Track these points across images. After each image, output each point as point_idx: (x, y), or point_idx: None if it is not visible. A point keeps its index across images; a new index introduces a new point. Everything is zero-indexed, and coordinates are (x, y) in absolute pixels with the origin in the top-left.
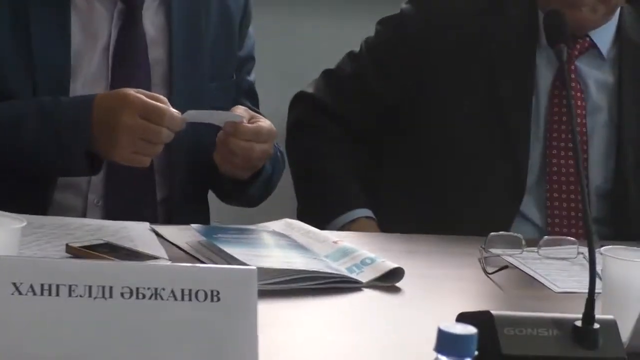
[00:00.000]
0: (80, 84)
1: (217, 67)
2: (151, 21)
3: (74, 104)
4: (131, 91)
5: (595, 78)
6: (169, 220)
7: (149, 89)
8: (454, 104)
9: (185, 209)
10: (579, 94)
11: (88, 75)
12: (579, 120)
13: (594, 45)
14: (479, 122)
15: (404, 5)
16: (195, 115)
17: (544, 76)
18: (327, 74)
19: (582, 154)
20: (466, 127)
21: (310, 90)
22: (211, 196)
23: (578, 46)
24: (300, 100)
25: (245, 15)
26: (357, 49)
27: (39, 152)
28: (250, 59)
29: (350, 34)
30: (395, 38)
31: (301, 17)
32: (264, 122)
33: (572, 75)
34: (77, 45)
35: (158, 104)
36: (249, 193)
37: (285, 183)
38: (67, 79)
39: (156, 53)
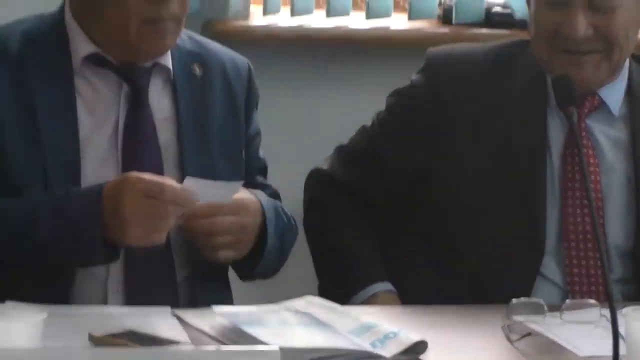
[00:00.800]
0: (90, 169)
1: (225, 146)
2: (157, 102)
3: (84, 195)
4: (130, 174)
5: (607, 136)
6: (190, 301)
7: (161, 170)
8: (469, 172)
9: (206, 288)
10: (591, 152)
11: (98, 159)
12: (592, 177)
13: (603, 103)
14: (495, 188)
15: (414, 77)
16: (195, 183)
17: (556, 137)
18: (340, 150)
19: (598, 213)
20: (482, 193)
21: (324, 167)
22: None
23: (587, 104)
24: (314, 178)
25: (250, 94)
26: (369, 122)
27: (55, 247)
28: (257, 135)
29: (363, 107)
30: (406, 112)
31: (315, 92)
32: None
33: (583, 133)
34: (85, 131)
35: (158, 179)
36: (258, 271)
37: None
38: (77, 164)
39: (165, 134)
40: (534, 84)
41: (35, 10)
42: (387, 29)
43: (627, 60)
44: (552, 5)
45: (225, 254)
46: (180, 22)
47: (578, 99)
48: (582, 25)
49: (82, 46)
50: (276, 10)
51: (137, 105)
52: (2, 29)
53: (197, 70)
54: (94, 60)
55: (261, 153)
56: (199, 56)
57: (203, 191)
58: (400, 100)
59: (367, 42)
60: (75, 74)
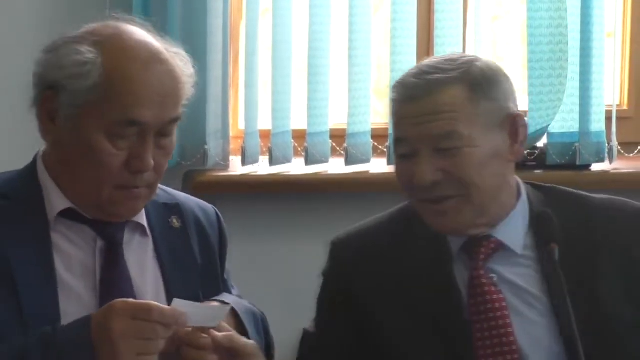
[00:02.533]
0: (70, 320)
1: (205, 292)
2: (134, 257)
3: (73, 328)
4: (118, 300)
5: (512, 276)
6: None
7: None
8: (398, 341)
9: None
10: (495, 297)
11: (78, 311)
12: (499, 313)
13: (502, 243)
14: (424, 348)
15: (324, 267)
16: (183, 305)
17: (463, 284)
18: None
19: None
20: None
21: (310, 329)
22: None
23: (483, 249)
24: (302, 340)
25: (223, 239)
26: None
27: None
28: (229, 276)
29: None
30: (326, 302)
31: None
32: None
33: (484, 280)
34: (64, 284)
35: (143, 302)
36: None
37: None
38: (56, 316)
39: (142, 289)
40: (433, 240)
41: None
42: (366, 173)
43: (525, 192)
44: (403, 158)
45: None
46: (153, 187)
47: (472, 245)
48: (427, 173)
49: (57, 201)
50: (255, 161)
51: (113, 260)
52: None
53: (176, 223)
54: (69, 215)
55: (234, 290)
56: (176, 208)
57: (191, 313)
58: (320, 292)
59: (347, 186)
60: (51, 229)
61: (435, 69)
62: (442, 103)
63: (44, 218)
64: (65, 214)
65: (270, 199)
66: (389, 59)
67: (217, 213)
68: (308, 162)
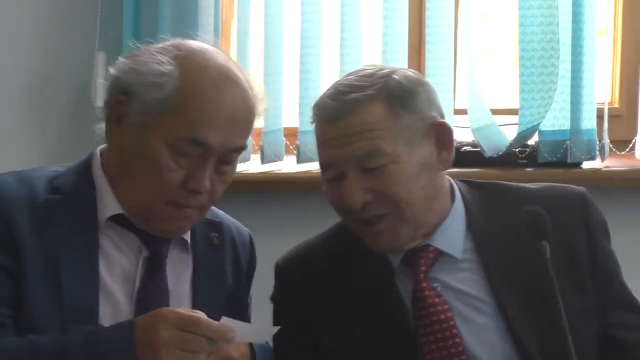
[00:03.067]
0: (107, 323)
1: (231, 314)
2: (174, 271)
3: (117, 329)
4: (166, 308)
5: (455, 282)
6: None
7: None
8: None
9: None
10: (439, 308)
11: (113, 318)
12: (445, 324)
13: (441, 252)
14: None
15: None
16: (231, 323)
17: (407, 296)
18: None
19: None
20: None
21: None
22: None
23: (422, 260)
24: None
25: (252, 263)
26: None
27: None
28: (251, 300)
29: None
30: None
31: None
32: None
33: (426, 293)
34: (105, 287)
35: (193, 313)
36: None
37: None
38: (95, 320)
39: (178, 303)
40: (374, 255)
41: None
42: None
43: (459, 193)
44: (332, 182)
45: None
46: (204, 210)
47: (412, 257)
48: (356, 195)
49: (109, 206)
50: (246, 159)
51: (154, 271)
52: (29, 175)
53: (215, 240)
54: (119, 221)
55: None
56: (217, 225)
57: (239, 330)
58: (273, 318)
59: None
60: (99, 231)
61: (352, 87)
62: (361, 122)
63: (94, 219)
64: (115, 218)
65: (261, 197)
66: (381, 57)
67: (250, 237)
68: (300, 160)
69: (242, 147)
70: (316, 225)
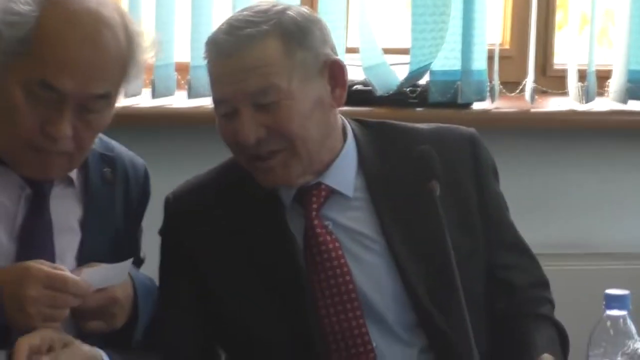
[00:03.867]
0: None
1: (119, 248)
2: (60, 208)
3: None
4: (32, 263)
5: (347, 220)
6: None
7: None
8: (235, 294)
9: None
10: (331, 245)
11: None
12: (336, 262)
13: (332, 189)
14: (262, 301)
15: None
16: (93, 272)
17: (299, 235)
18: None
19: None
20: (253, 311)
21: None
22: None
23: (314, 198)
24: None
25: (145, 197)
26: None
27: None
28: (142, 232)
29: None
30: (166, 258)
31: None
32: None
33: (318, 230)
34: None
35: (60, 272)
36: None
37: None
38: None
39: (65, 240)
40: (265, 191)
41: None
42: None
43: (351, 132)
44: (225, 118)
45: (96, 325)
46: (74, 158)
47: (303, 194)
48: (249, 131)
49: None
50: (137, 93)
51: (37, 210)
52: None
53: (109, 176)
54: None
55: (142, 252)
56: (111, 160)
57: (99, 277)
58: (160, 254)
59: None
60: None
61: (246, 22)
62: (255, 58)
63: None
64: None
65: (152, 132)
66: None
67: (146, 170)
68: (191, 95)
69: (104, 95)
70: (207, 161)
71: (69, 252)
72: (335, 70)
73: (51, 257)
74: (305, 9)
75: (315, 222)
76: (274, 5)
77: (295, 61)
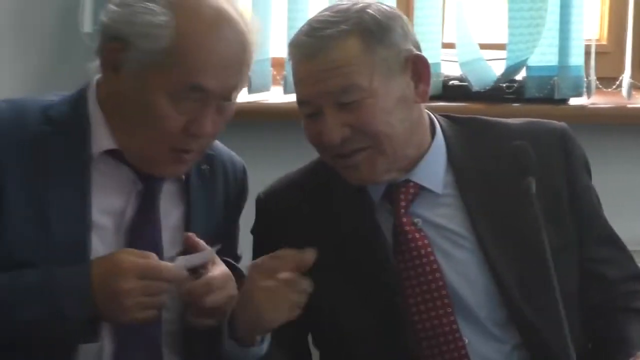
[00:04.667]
0: (96, 254)
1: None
2: (167, 205)
3: (72, 273)
4: (122, 255)
5: (436, 217)
6: None
7: None
8: (327, 291)
9: None
10: (420, 243)
11: (104, 246)
12: (425, 259)
13: (421, 187)
14: (355, 301)
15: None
16: (185, 261)
17: (388, 232)
18: None
19: (448, 303)
20: (345, 308)
21: None
22: None
23: (402, 195)
24: None
25: (243, 195)
26: None
27: (39, 326)
28: (239, 231)
29: None
30: (261, 249)
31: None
32: (216, 270)
33: (407, 227)
34: (96, 218)
35: (152, 261)
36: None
37: None
38: (84, 253)
39: (170, 235)
40: (354, 189)
41: None
42: None
43: (439, 129)
44: (309, 118)
45: (211, 322)
46: (199, 154)
47: (392, 192)
48: (334, 130)
49: (104, 139)
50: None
51: (147, 205)
52: (22, 103)
53: (207, 172)
54: (112, 153)
55: (239, 249)
56: (209, 158)
57: (189, 264)
58: (253, 252)
59: None
60: (92, 164)
61: (326, 23)
62: (336, 58)
63: (87, 152)
64: (109, 152)
65: (247, 127)
66: None
67: (244, 168)
68: (286, 90)
69: (242, 85)
70: (302, 156)
71: (174, 247)
72: (419, 65)
73: (159, 253)
74: (386, 6)
75: (404, 219)
76: (354, 4)
77: (376, 59)
